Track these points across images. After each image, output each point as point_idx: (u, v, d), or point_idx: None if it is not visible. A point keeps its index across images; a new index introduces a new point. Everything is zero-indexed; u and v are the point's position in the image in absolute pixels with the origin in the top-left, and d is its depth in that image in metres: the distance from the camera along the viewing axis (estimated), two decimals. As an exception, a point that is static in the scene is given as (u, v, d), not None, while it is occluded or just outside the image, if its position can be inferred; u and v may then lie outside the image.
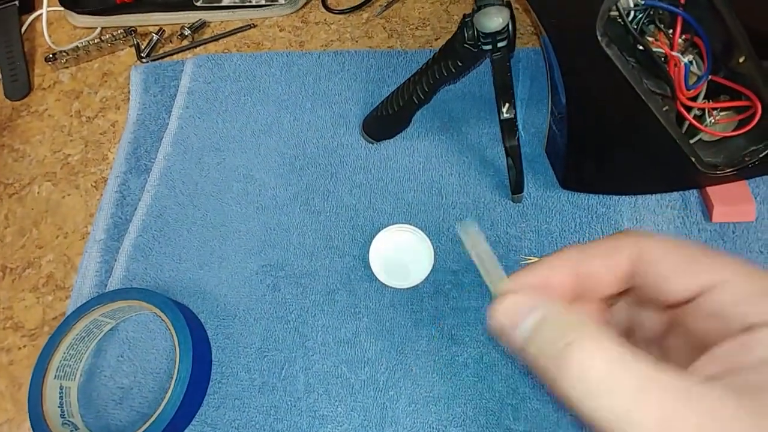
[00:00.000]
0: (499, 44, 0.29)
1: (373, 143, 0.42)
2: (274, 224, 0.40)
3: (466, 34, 0.29)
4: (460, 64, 0.32)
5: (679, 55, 0.30)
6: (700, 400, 0.14)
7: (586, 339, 0.16)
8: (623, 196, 0.38)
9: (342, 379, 0.34)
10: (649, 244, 0.18)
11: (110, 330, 0.37)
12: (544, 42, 0.31)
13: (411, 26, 0.51)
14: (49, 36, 0.51)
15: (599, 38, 0.27)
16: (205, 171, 0.43)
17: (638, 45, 0.29)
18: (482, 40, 0.29)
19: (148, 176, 0.43)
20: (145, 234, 0.40)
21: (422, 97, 0.35)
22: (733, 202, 0.36)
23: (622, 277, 0.19)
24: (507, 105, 0.33)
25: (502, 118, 0.33)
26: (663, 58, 0.31)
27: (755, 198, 0.37)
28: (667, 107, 0.32)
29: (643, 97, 0.30)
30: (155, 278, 0.39)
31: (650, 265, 0.18)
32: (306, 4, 0.52)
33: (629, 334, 0.22)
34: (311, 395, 0.34)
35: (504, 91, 0.32)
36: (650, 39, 0.30)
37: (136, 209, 0.42)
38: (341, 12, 0.52)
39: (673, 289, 0.17)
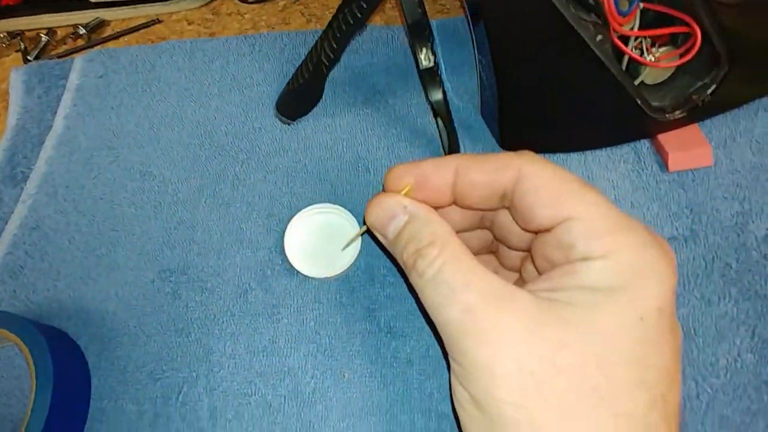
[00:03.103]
0: (403, -28, 0.25)
1: (289, 123, 0.37)
2: (175, 223, 0.33)
3: (363, -36, 0.25)
4: (364, 6, 0.27)
5: (604, -27, 0.26)
6: (510, 301, 0.17)
7: (438, 242, 0.19)
8: (571, 153, 0.34)
9: (257, 396, 0.27)
10: (530, 171, 0.19)
11: (-38, 371, 0.29)
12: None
13: (331, 9, 0.47)
14: None
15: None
16: (94, 172, 0.36)
17: (558, -36, 0.26)
18: (381, -34, 0.25)
19: (26, 185, 0.36)
20: (15, 250, 0.33)
21: (331, 55, 0.31)
22: (688, 147, 0.33)
23: (502, 196, 0.20)
24: (424, 51, 0.28)
25: (421, 67, 0.29)
26: (587, -18, 0.27)
27: (710, 143, 0.33)
28: (601, 36, 0.28)
29: (573, 24, 0.27)
30: (26, 301, 0.31)
31: (525, 193, 0.19)
32: (216, -6, 0.48)
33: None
34: (218, 421, 0.27)
35: (418, 34, 0.28)
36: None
37: (7, 224, 0.34)
38: (256, 1, 0.48)
39: (538, 217, 0.19)
